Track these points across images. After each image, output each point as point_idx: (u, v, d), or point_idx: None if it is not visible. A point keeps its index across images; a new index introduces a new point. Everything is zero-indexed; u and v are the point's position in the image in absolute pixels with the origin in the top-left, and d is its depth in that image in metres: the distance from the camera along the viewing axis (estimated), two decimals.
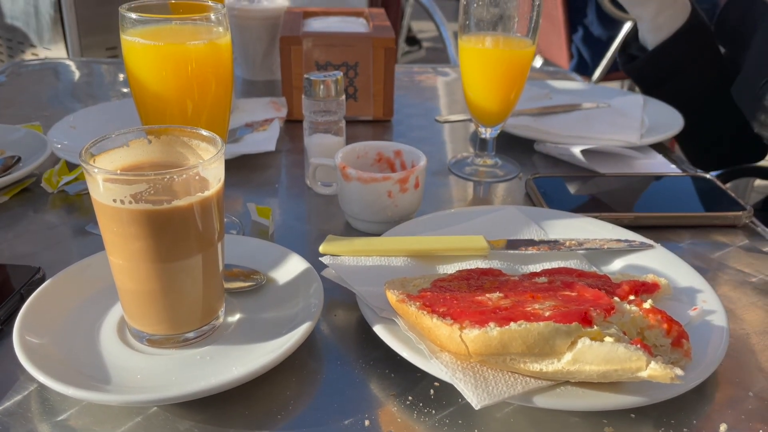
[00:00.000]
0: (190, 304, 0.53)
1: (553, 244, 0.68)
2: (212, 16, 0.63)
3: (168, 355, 0.53)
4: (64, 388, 0.46)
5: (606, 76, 2.33)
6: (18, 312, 0.54)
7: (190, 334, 0.54)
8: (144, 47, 0.61)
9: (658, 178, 0.89)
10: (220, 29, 0.64)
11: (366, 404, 0.51)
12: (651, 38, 1.13)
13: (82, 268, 0.60)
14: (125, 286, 0.52)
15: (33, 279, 0.62)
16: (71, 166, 0.84)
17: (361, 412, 0.50)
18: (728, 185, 1.35)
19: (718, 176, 1.28)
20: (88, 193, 0.55)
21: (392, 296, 0.54)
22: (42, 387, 0.51)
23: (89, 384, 0.48)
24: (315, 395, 0.52)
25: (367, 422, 0.49)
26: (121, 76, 1.32)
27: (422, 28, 4.46)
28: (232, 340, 0.54)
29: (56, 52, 1.97)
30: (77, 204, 0.80)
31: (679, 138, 1.19)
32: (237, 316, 0.57)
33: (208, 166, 0.49)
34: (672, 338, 0.50)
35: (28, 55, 2.01)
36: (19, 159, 0.84)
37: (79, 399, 0.49)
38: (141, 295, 0.51)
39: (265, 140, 0.94)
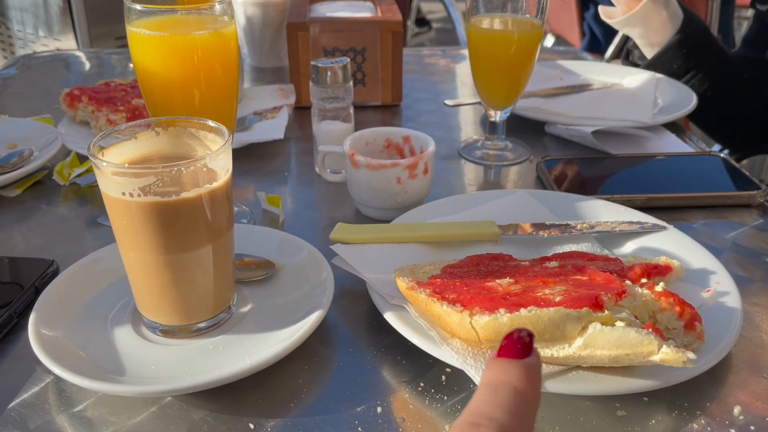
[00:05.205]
0: (201, 294, 0.53)
1: (565, 228, 0.67)
2: (217, 6, 0.63)
3: (181, 345, 0.53)
4: (79, 380, 0.47)
5: (618, 54, 2.30)
6: (33, 305, 0.55)
7: (203, 324, 0.54)
8: (149, 38, 0.61)
9: (670, 158, 0.88)
10: (225, 18, 0.64)
11: (378, 391, 0.51)
12: (646, 51, 1.16)
13: (94, 260, 0.61)
14: (137, 277, 0.52)
15: (47, 272, 0.63)
16: (82, 158, 0.85)
17: (373, 398, 0.50)
18: (745, 162, 1.33)
19: (734, 153, 1.26)
20: None
21: (402, 283, 0.54)
22: (58, 378, 0.52)
23: (104, 375, 0.48)
24: (327, 383, 0.52)
25: (379, 409, 0.49)
26: (131, 66, 1.32)
27: (432, 9, 4.41)
28: (245, 329, 0.55)
29: (66, 42, 1.98)
30: (89, 196, 0.80)
31: (694, 118, 1.18)
32: (249, 306, 0.58)
33: (215, 157, 0.49)
34: (684, 321, 0.50)
35: (39, 47, 2.02)
36: (31, 152, 0.85)
37: (94, 390, 0.50)
38: (153, 286, 0.52)
39: (274, 128, 0.94)
